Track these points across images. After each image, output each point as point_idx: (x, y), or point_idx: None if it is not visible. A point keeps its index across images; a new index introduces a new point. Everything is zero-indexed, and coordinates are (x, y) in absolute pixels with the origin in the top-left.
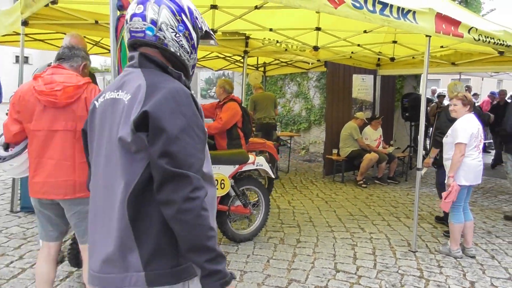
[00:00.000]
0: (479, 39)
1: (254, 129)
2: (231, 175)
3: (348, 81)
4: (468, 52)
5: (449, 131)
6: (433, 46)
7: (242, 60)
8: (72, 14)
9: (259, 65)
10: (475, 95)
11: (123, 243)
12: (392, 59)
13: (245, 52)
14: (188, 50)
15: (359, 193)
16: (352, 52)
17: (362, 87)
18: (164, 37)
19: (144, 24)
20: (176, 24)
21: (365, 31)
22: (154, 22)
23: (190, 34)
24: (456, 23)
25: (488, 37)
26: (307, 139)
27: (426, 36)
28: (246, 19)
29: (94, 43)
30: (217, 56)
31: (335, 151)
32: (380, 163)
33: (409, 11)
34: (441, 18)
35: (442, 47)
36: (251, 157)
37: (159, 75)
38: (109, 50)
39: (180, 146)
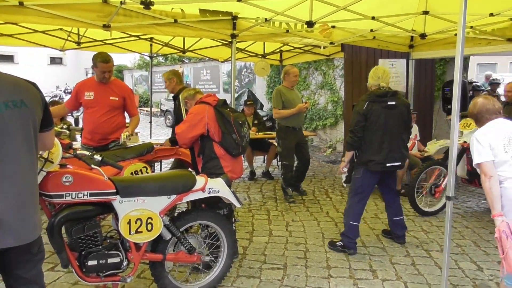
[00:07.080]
0: None
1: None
2: (164, 210)
3: (372, 67)
4: None
5: None
6: (478, 14)
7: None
8: None
9: (267, 53)
10: None
11: None
12: (423, 35)
13: (233, 36)
14: None
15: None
16: (371, 30)
17: (392, 75)
18: None
19: None
20: None
21: None
22: None
23: None
24: None
25: None
26: (334, 136)
27: None
28: None
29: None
30: (222, 43)
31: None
32: (412, 169)
33: None
34: None
35: (492, 14)
36: (201, 179)
37: None
38: None
39: None
